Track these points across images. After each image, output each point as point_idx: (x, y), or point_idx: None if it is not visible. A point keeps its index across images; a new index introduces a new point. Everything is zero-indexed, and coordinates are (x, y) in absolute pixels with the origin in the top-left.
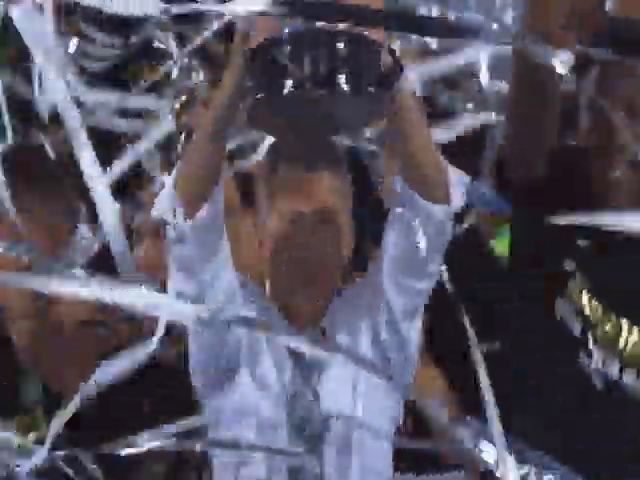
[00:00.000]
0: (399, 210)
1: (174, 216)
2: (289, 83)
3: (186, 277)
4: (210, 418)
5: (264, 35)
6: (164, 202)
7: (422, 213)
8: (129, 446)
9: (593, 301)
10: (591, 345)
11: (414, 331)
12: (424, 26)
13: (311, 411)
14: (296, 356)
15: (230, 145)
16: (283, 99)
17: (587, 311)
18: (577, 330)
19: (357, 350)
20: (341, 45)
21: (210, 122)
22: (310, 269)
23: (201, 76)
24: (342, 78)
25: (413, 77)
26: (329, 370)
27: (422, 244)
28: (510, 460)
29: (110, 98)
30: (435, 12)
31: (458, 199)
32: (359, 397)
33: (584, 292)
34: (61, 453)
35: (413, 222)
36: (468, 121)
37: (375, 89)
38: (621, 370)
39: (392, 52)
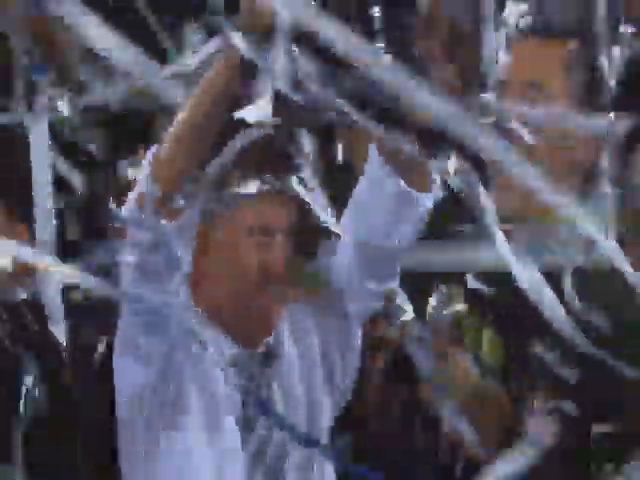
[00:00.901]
0: (364, 204)
1: (153, 212)
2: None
3: (152, 288)
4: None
5: None
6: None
7: (400, 198)
8: None
9: None
10: None
11: (358, 338)
12: None
13: (268, 436)
14: (245, 374)
15: None
16: None
17: None
18: None
19: (309, 361)
20: (377, 10)
21: (208, 88)
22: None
23: None
24: (383, 45)
25: None
26: (281, 391)
27: (391, 238)
28: None
29: None
30: None
31: (436, 189)
32: (317, 417)
33: None
34: None
35: (380, 214)
36: None
37: (418, 51)
38: None
39: None
